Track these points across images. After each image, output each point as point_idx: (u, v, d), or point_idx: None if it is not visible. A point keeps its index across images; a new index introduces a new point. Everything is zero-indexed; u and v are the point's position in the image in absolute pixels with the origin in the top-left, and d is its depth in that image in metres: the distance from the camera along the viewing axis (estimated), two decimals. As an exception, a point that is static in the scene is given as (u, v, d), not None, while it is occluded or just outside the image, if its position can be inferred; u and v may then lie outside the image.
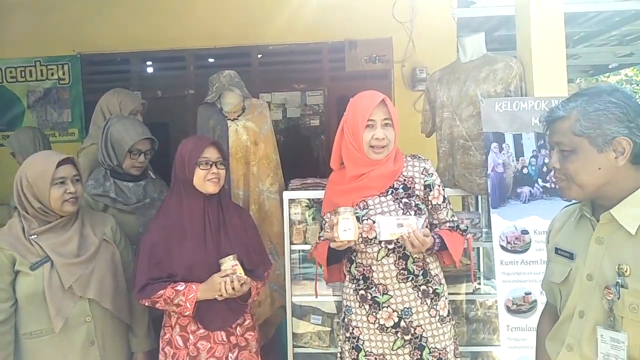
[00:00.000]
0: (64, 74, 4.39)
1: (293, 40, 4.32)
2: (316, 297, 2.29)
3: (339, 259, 1.96)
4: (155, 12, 4.28)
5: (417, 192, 1.89)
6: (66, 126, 4.39)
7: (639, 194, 1.17)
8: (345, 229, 1.69)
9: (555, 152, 1.26)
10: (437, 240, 1.81)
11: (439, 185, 1.94)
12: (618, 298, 1.14)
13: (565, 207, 1.43)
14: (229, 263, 1.83)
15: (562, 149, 1.23)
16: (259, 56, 4.45)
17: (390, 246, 1.83)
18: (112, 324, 1.94)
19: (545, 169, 2.33)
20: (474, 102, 2.40)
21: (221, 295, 1.82)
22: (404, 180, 1.90)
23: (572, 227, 1.33)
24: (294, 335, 2.57)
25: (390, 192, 1.89)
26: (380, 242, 1.80)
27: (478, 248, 2.84)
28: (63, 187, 1.82)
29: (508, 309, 2.26)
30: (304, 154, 4.67)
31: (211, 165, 1.92)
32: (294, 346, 2.56)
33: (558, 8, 2.36)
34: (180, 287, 1.84)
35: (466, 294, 2.60)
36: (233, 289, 1.80)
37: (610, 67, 7.70)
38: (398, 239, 1.74)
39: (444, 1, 4.17)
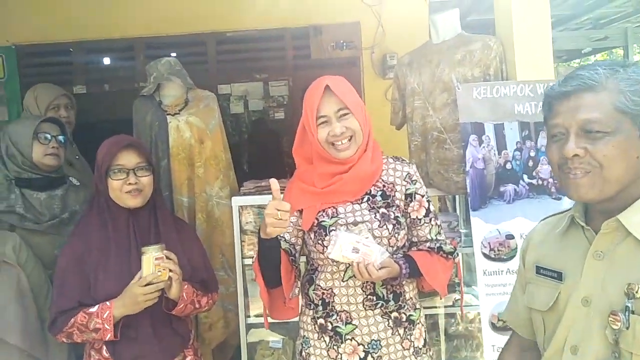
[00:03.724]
0: (-4, 67, 3.99)
1: (253, 26, 4.00)
2: (266, 328, 1.89)
3: (274, 260, 1.48)
4: (99, -4, 3.90)
5: (397, 202, 1.56)
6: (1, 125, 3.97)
7: None
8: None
9: (573, 135, 0.94)
10: (405, 266, 1.50)
11: (422, 196, 1.60)
12: (627, 327, 0.89)
13: (544, 218, 1.16)
14: (151, 255, 1.48)
15: (592, 130, 0.92)
16: (216, 44, 4.10)
17: None
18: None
19: (531, 163, 2.06)
20: (448, 89, 2.15)
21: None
22: (383, 186, 1.57)
23: (558, 240, 1.06)
24: (251, 360, 2.26)
25: (366, 198, 1.56)
26: (327, 257, 1.48)
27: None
28: None
29: (493, 326, 2.01)
30: (269, 151, 4.36)
31: (128, 174, 1.58)
32: (251, 373, 2.25)
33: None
34: (93, 308, 1.54)
35: (445, 306, 2.32)
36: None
37: (583, 51, 7.58)
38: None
39: (415, -18, 3.89)
